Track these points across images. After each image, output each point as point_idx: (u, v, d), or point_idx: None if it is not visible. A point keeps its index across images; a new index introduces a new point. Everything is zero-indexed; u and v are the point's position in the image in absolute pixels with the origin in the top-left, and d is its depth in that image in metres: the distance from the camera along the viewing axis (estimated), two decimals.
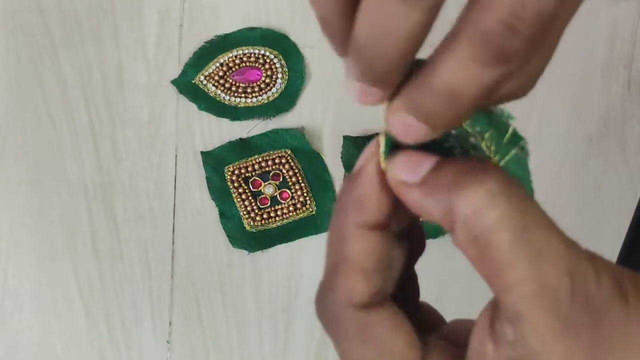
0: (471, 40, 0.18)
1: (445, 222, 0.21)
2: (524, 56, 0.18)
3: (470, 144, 0.23)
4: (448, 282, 0.56)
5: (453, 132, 0.23)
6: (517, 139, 0.23)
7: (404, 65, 0.20)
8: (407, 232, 0.24)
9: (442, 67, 0.19)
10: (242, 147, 0.55)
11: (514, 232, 0.19)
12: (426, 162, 0.21)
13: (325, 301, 0.23)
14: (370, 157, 0.22)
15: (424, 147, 0.22)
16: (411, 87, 0.20)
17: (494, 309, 0.20)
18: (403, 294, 0.24)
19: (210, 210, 0.55)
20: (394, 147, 0.22)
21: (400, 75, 0.20)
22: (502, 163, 0.23)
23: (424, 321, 0.25)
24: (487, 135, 0.23)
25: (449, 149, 0.24)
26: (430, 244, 0.22)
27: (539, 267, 0.19)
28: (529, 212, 0.20)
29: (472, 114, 0.22)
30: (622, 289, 0.20)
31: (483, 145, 0.23)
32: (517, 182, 0.21)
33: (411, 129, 0.20)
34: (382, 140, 0.22)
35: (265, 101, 0.55)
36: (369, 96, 0.21)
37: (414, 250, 0.25)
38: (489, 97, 0.20)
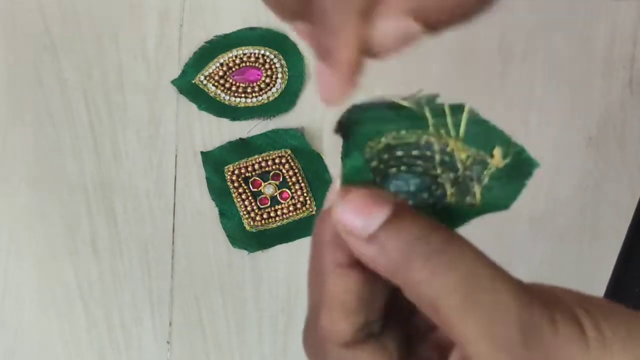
0: None
1: (393, 280, 0.21)
2: None
3: (414, 155, 0.22)
4: None
5: (398, 152, 0.22)
6: (456, 109, 0.22)
7: None
8: None
9: None
10: (242, 147, 0.55)
11: (461, 296, 0.19)
12: (378, 213, 0.21)
13: (310, 338, 0.23)
14: (334, 196, 0.22)
15: (374, 180, 0.21)
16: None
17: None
18: (395, 300, 0.24)
19: (210, 210, 0.55)
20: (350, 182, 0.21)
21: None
22: (461, 133, 0.22)
23: (418, 326, 0.25)
24: (430, 126, 0.22)
25: (395, 170, 0.23)
26: None
27: (489, 326, 0.19)
28: (477, 276, 0.20)
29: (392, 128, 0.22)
30: (582, 332, 0.20)
31: (432, 132, 0.22)
32: (465, 245, 0.20)
33: (405, 32, 0.20)
34: (340, 178, 0.22)
35: (265, 101, 0.55)
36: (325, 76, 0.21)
37: None
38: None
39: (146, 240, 0.55)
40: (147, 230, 0.55)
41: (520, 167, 0.22)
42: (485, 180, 0.22)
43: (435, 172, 0.22)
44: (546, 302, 0.20)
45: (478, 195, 0.22)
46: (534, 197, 0.56)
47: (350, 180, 0.22)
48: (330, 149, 0.55)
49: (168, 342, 0.56)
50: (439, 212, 0.22)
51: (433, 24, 0.20)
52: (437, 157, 0.22)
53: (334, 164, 0.55)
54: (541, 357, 0.19)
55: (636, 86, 0.56)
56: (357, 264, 0.22)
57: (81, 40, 0.54)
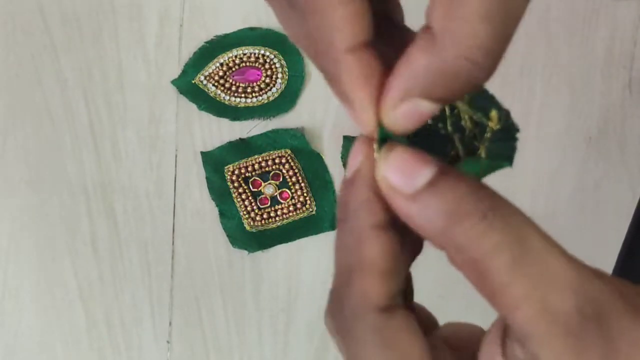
0: None
1: (436, 242, 0.20)
2: None
3: (457, 126, 0.23)
4: (453, 279, 0.56)
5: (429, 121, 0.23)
6: (506, 123, 0.24)
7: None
8: (408, 231, 0.23)
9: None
10: (242, 147, 0.55)
11: (512, 256, 0.19)
12: (423, 172, 0.20)
13: (338, 309, 0.22)
14: (363, 161, 0.22)
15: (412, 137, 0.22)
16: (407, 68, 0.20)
17: (503, 326, 0.20)
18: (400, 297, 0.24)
19: (210, 210, 0.55)
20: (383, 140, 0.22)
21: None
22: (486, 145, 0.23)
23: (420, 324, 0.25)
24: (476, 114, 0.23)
25: (433, 134, 0.23)
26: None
27: (540, 287, 0.19)
28: (528, 239, 0.20)
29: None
30: (631, 304, 0.19)
31: (466, 121, 0.23)
32: (515, 209, 0.20)
33: (414, 113, 0.20)
34: (376, 137, 0.21)
35: (265, 101, 0.55)
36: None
37: (413, 249, 0.25)
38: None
39: (146, 240, 0.55)
40: (147, 230, 0.55)
41: (509, 130, 0.23)
42: (486, 140, 0.23)
43: (448, 132, 0.23)
44: (598, 273, 0.20)
45: (483, 154, 0.23)
46: (534, 197, 0.56)
47: (384, 139, 0.22)
48: (330, 149, 0.55)
49: (168, 342, 0.56)
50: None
51: (441, 100, 0.20)
52: (449, 119, 0.23)
53: (334, 164, 0.55)
54: (592, 322, 0.19)
55: (636, 86, 0.56)
56: (390, 226, 0.22)
57: (81, 40, 0.54)
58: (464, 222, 0.20)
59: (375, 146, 0.22)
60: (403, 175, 0.21)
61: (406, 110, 0.20)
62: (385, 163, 0.21)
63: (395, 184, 0.21)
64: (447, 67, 0.19)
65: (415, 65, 0.20)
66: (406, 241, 0.23)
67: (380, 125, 0.21)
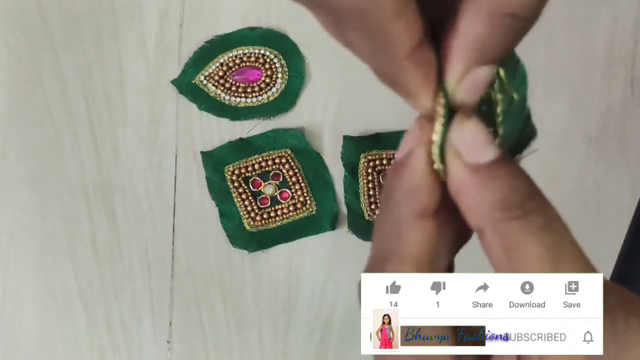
0: None
1: (475, 219, 0.21)
2: None
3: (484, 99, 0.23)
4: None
5: None
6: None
7: None
8: (454, 217, 0.23)
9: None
10: (242, 147, 0.55)
11: (548, 252, 0.20)
12: (489, 149, 0.22)
13: None
14: (417, 143, 0.22)
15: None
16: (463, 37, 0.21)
17: None
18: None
19: (210, 210, 0.55)
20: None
21: None
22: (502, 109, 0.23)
23: None
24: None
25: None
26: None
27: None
28: (565, 248, 0.21)
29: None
30: None
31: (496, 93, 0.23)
32: (559, 219, 0.21)
33: (478, 81, 0.21)
34: (438, 126, 0.22)
35: (265, 101, 0.55)
36: None
37: (459, 237, 0.24)
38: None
39: (146, 240, 0.55)
40: (147, 230, 0.55)
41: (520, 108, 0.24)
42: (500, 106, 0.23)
43: (482, 110, 0.23)
44: (624, 296, 0.21)
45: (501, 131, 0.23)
46: None
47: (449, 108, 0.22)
48: (330, 149, 0.55)
49: (168, 342, 0.56)
50: None
51: (495, 61, 0.22)
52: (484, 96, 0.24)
53: (334, 164, 0.55)
54: (612, 338, 0.20)
55: (637, 86, 0.56)
56: (433, 214, 0.22)
57: (81, 40, 0.54)
58: (511, 212, 0.21)
59: (439, 122, 0.22)
60: (473, 144, 0.22)
61: (470, 81, 0.21)
62: (460, 128, 0.22)
63: (462, 150, 0.22)
64: (494, 29, 0.20)
65: (467, 37, 0.21)
66: (452, 228, 0.23)
67: (444, 101, 0.22)
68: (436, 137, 0.22)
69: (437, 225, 0.22)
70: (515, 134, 0.24)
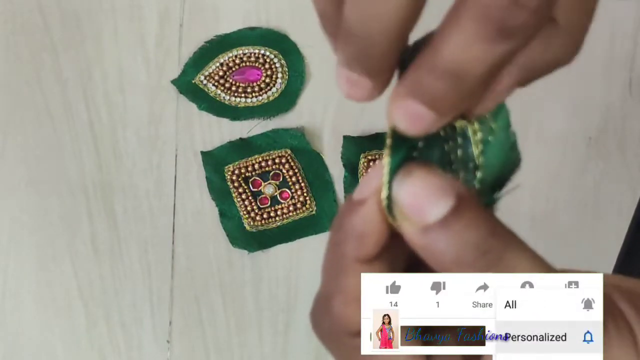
0: (474, 15, 0.17)
1: (438, 269, 0.21)
2: (531, 29, 0.17)
3: (456, 144, 0.22)
4: None
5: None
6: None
7: (394, 51, 0.19)
8: (401, 252, 0.23)
9: (445, 46, 0.18)
10: (242, 147, 0.55)
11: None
12: (438, 204, 0.20)
13: (320, 319, 0.22)
14: (374, 189, 0.21)
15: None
16: (414, 70, 0.19)
17: None
18: None
19: (210, 210, 0.55)
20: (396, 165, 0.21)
21: (391, 63, 0.19)
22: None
23: None
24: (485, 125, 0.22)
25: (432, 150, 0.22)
26: None
27: None
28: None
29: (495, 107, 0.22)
30: (634, 343, 0.20)
31: (470, 132, 0.22)
32: (521, 249, 0.21)
33: (416, 117, 0.19)
34: (385, 176, 0.21)
35: (265, 101, 0.55)
36: (358, 88, 0.20)
37: (410, 266, 0.24)
38: (495, 75, 0.19)
39: (146, 240, 0.55)
40: (147, 230, 0.55)
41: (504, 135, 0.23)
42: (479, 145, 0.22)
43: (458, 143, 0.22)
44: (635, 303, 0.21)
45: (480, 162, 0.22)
46: (534, 197, 0.56)
47: (402, 157, 0.21)
48: (330, 149, 0.55)
49: (168, 342, 0.56)
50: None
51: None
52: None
53: (334, 164, 0.55)
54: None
55: (636, 86, 0.56)
56: (376, 258, 0.21)
57: (81, 40, 0.54)
58: (468, 268, 0.20)
59: (385, 171, 0.20)
60: (421, 202, 0.20)
61: (404, 111, 0.20)
62: (400, 187, 0.20)
63: (407, 210, 0.20)
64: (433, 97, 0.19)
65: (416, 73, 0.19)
66: (399, 266, 0.23)
67: (390, 141, 0.20)
68: (384, 193, 0.21)
69: (379, 268, 0.21)
70: (500, 163, 0.22)
